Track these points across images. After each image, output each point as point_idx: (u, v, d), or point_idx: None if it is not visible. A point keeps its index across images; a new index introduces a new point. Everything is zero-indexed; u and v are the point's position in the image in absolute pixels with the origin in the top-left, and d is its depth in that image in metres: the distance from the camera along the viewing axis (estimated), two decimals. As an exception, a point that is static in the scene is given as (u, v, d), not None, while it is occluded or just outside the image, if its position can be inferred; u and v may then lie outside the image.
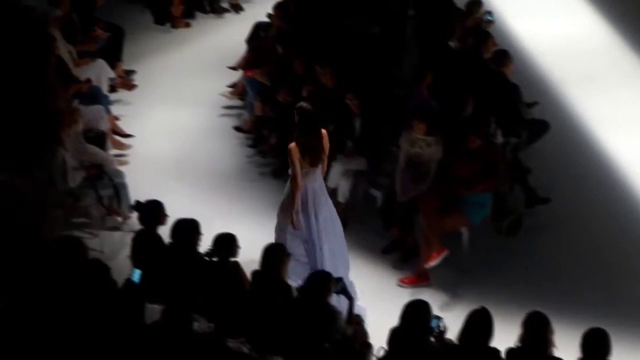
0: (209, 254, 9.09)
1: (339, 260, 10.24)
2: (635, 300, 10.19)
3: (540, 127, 12.09)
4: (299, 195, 9.99)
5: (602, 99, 13.55)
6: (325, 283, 8.54)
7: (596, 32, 15.35)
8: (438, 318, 8.04)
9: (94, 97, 12.54)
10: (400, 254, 10.83)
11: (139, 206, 9.73)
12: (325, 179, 10.55)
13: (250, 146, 12.77)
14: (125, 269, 9.34)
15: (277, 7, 13.59)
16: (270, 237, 9.77)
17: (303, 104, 10.34)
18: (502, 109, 11.60)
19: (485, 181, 10.52)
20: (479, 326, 7.82)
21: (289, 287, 8.80)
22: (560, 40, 15.06)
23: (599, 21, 15.63)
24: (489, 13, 13.31)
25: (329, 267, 9.82)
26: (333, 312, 8.45)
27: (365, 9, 13.38)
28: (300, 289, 8.62)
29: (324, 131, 10.16)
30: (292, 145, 9.94)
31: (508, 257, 10.85)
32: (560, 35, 15.20)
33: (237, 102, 13.64)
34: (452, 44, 12.65)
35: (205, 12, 16.12)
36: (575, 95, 13.69)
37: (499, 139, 11.41)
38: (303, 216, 10.16)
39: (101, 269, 8.42)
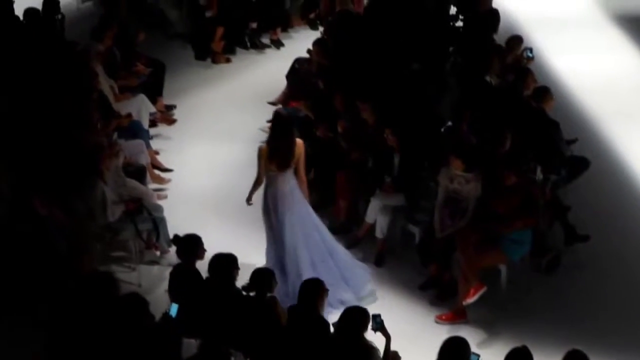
0: (246, 288, 9.10)
1: (324, 273, 10.17)
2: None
3: (580, 165, 12.02)
4: (254, 189, 10.51)
5: (642, 137, 13.51)
6: (362, 319, 8.51)
7: (636, 70, 15.29)
8: (476, 355, 7.99)
9: (135, 131, 12.61)
10: (438, 290, 10.76)
11: (177, 240, 9.77)
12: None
13: (290, 181, 12.78)
14: (163, 303, 9.39)
15: (316, 43, 13.65)
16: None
17: (280, 109, 10.88)
18: (542, 145, 11.55)
19: (524, 218, 10.45)
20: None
21: (325, 322, 8.77)
22: (601, 78, 15.05)
23: (639, 59, 15.57)
24: (529, 50, 13.31)
25: (307, 275, 9.87)
26: (370, 348, 8.42)
27: (406, 45, 13.40)
28: (337, 324, 8.59)
29: (299, 141, 10.39)
30: (262, 146, 10.37)
31: (547, 295, 10.75)
32: (600, 73, 15.19)
33: (276, 137, 13.67)
34: (492, 80, 12.64)
35: (246, 47, 16.21)
36: (615, 132, 13.64)
37: (539, 175, 11.35)
38: (269, 218, 10.48)
39: (139, 302, 8.45)
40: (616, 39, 16.28)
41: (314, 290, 8.92)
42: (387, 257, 11.19)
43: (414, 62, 13.05)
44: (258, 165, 10.38)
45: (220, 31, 15.70)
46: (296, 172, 10.46)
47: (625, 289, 10.80)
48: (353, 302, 9.88)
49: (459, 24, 14.74)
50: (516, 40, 13.37)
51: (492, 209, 10.48)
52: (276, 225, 10.50)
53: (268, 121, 13.70)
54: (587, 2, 17.56)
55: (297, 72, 13.75)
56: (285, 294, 10.02)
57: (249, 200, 10.64)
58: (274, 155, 10.28)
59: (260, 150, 10.37)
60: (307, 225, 10.59)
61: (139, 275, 10.96)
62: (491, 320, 10.34)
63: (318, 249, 10.62)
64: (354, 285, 10.68)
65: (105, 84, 12.89)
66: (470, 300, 10.26)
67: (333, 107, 12.32)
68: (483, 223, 10.48)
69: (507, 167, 10.51)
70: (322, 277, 9.44)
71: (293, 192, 10.45)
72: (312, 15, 16.72)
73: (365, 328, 8.49)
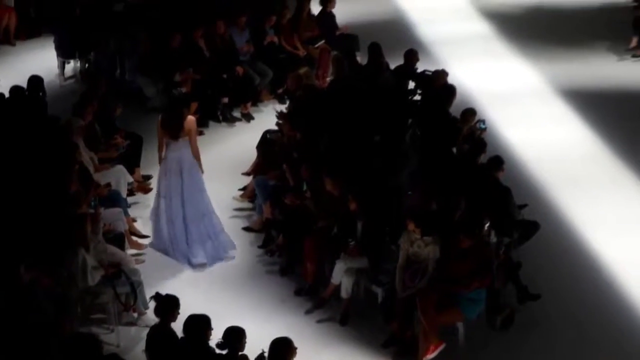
0: (219, 345, 9.08)
1: (193, 228, 12.29)
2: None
3: (530, 228, 12.09)
4: (160, 153, 12.35)
5: (587, 202, 13.58)
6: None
7: (582, 140, 15.44)
8: None
9: (114, 200, 12.59)
10: (400, 347, 10.72)
11: (158, 298, 9.75)
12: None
13: (260, 246, 12.77)
14: (140, 362, 9.32)
15: (283, 116, 13.74)
16: (278, 332, 9.68)
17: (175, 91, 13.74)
18: (495, 211, 11.62)
19: (479, 279, 10.50)
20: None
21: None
22: (548, 148, 15.15)
23: (584, 130, 15.72)
24: (482, 122, 13.44)
25: (177, 224, 12.21)
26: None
27: (367, 118, 13.48)
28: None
29: (190, 117, 12.26)
30: (159, 119, 12.32)
31: (502, 351, 10.75)
32: (547, 143, 15.29)
33: (247, 204, 13.68)
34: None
35: (218, 121, 16.26)
36: (562, 198, 13.71)
37: (493, 238, 11.40)
38: (163, 176, 12.31)
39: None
40: (562, 112, 16.40)
41: (283, 349, 8.92)
42: (351, 316, 11.18)
43: (375, 134, 13.11)
44: (157, 133, 12.35)
45: (194, 106, 15.73)
46: (191, 144, 12.23)
47: (575, 345, 10.82)
48: (202, 261, 12.19)
49: (417, 98, 14.87)
50: (470, 112, 13.47)
51: (450, 270, 10.53)
52: (166, 183, 12.31)
53: (239, 189, 13.85)
54: (534, 77, 17.74)
55: (269, 143, 13.79)
56: (159, 237, 12.45)
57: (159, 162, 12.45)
58: (166, 126, 12.18)
59: (158, 123, 12.31)
60: (192, 187, 12.30)
61: (117, 336, 10.89)
62: (450, 376, 10.34)
63: (195, 209, 12.35)
64: (216, 247, 12.43)
65: (86, 156, 12.90)
66: (430, 356, 10.27)
67: (300, 177, 12.38)
68: (442, 283, 10.52)
69: (463, 231, 10.58)
70: (189, 230, 12.16)
71: (185, 158, 12.23)
72: (279, 91, 16.82)
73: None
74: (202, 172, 12.51)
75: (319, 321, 11.30)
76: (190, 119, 12.22)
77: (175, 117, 12.18)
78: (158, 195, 12.59)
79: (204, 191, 12.53)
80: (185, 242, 12.39)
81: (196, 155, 12.35)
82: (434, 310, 10.36)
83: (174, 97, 13.10)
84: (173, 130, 12.15)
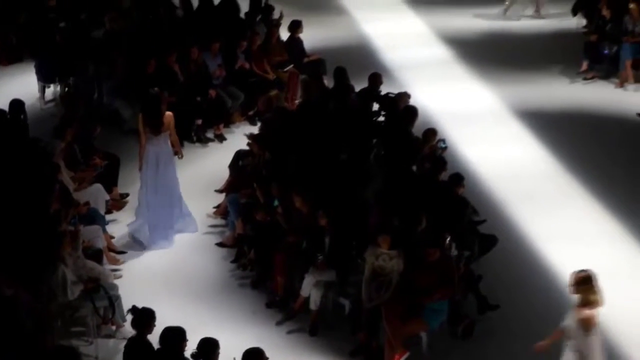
0: (194, 356, 9.03)
1: (162, 212, 13.08)
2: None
3: (489, 242, 12.14)
4: (142, 149, 12.91)
5: (542, 216, 13.64)
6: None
7: (537, 158, 15.51)
8: None
9: (92, 218, 12.55)
10: (366, 356, 10.73)
11: (135, 311, 9.69)
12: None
13: (232, 261, 12.72)
14: (118, 373, 9.24)
15: (253, 137, 13.73)
16: (250, 342, 9.61)
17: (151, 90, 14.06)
18: (456, 225, 11.65)
19: (441, 290, 10.52)
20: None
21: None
22: (505, 166, 15.21)
23: (539, 148, 15.81)
24: (443, 141, 13.49)
25: (152, 204, 13.04)
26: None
27: (334, 138, 13.50)
28: None
29: (168, 113, 12.87)
30: (139, 116, 12.91)
31: (463, 359, 10.77)
32: (504, 161, 15.35)
33: (220, 221, 13.64)
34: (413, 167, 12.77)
35: (192, 141, 16.19)
36: (519, 213, 13.76)
37: (454, 252, 11.42)
38: (146, 168, 12.92)
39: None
40: (518, 131, 16.48)
41: (254, 359, 8.90)
42: (320, 327, 11.16)
43: (342, 153, 13.12)
44: (139, 130, 12.93)
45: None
46: (171, 135, 12.93)
47: (532, 354, 10.81)
48: (167, 245, 13.01)
49: (381, 119, 14.90)
50: (431, 132, 13.51)
51: (413, 282, 10.53)
52: (146, 173, 12.96)
53: (214, 207, 13.80)
54: (492, 99, 17.82)
55: (242, 165, 13.77)
56: (142, 222, 13.12)
57: (139, 166, 13.06)
58: (147, 123, 12.74)
59: (139, 119, 12.89)
60: (166, 178, 13.05)
61: (96, 348, 10.82)
62: (414, 382, 10.34)
63: (168, 195, 13.14)
64: (181, 228, 13.28)
65: (66, 176, 12.85)
66: (396, 364, 10.28)
67: (271, 194, 12.36)
68: (406, 295, 10.53)
69: (427, 245, 10.59)
70: (160, 214, 13.05)
71: (164, 151, 12.93)
72: (250, 113, 16.81)
73: None
74: (182, 156, 13.52)
75: (289, 332, 11.28)
76: (168, 114, 12.86)
77: (154, 115, 12.76)
78: (140, 186, 13.24)
79: (177, 184, 13.25)
80: (157, 226, 13.08)
81: (176, 144, 13.18)
82: (399, 321, 10.37)
83: (150, 96, 13.43)
84: (155, 127, 12.75)
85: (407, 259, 10.68)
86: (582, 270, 9.27)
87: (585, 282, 9.15)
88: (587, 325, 9.05)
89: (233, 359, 9.04)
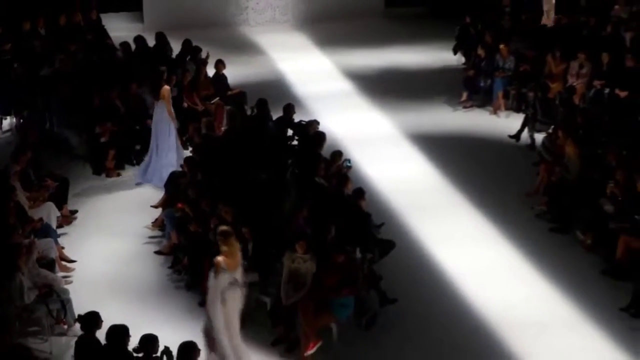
0: (136, 350, 8.95)
1: (156, 166, 14.68)
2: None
3: (388, 246, 12.25)
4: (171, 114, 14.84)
5: (432, 223, 13.78)
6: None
7: (426, 174, 15.66)
8: None
9: (45, 232, 12.33)
10: (286, 345, 10.75)
11: (81, 319, 9.60)
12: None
13: (169, 267, 12.61)
14: (70, 367, 9.08)
15: (186, 160, 13.66)
16: (186, 337, 9.53)
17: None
18: (359, 232, 11.73)
19: (348, 288, 10.58)
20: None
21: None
22: (400, 180, 15.32)
23: (428, 166, 15.97)
24: (348, 160, 13.61)
25: (154, 162, 14.81)
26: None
27: (255, 160, 13.51)
28: None
29: (166, 86, 14.55)
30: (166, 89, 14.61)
31: (367, 346, 10.84)
32: (399, 177, 15.47)
33: (158, 232, 13.51)
34: (323, 183, 12.81)
35: (132, 164, 16.01)
36: (413, 221, 13.88)
37: (358, 254, 11.50)
38: (155, 131, 14.77)
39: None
40: (410, 152, 16.64)
41: (188, 352, 8.90)
42: (246, 321, 11.06)
43: (262, 173, 13.13)
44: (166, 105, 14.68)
45: (112, 153, 15.56)
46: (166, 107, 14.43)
47: (424, 341, 10.95)
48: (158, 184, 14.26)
49: (295, 143, 14.96)
50: (337, 154, 13.61)
51: (324, 281, 10.58)
52: (154, 134, 14.63)
53: (152, 221, 13.66)
54: (388, 124, 17.97)
55: (177, 184, 13.66)
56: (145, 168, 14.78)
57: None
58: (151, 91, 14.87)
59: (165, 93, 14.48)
60: (164, 140, 14.60)
61: (50, 345, 10.63)
62: (327, 366, 10.36)
63: (164, 155, 14.61)
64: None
65: (22, 196, 12.61)
66: (310, 352, 10.29)
67: (201, 209, 12.28)
68: (318, 292, 10.56)
69: (335, 249, 10.66)
70: (153, 167, 14.71)
71: (162, 121, 14.64)
72: (183, 138, 16.69)
73: None
74: (177, 126, 15.01)
75: (219, 326, 11.19)
76: (165, 87, 14.44)
77: (155, 85, 14.73)
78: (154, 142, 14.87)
79: (172, 143, 14.80)
80: (150, 170, 14.86)
81: (171, 115, 14.72)
82: (312, 315, 10.39)
83: (157, 72, 15.32)
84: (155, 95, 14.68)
85: (318, 262, 10.71)
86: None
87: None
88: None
89: (165, 347, 8.96)
